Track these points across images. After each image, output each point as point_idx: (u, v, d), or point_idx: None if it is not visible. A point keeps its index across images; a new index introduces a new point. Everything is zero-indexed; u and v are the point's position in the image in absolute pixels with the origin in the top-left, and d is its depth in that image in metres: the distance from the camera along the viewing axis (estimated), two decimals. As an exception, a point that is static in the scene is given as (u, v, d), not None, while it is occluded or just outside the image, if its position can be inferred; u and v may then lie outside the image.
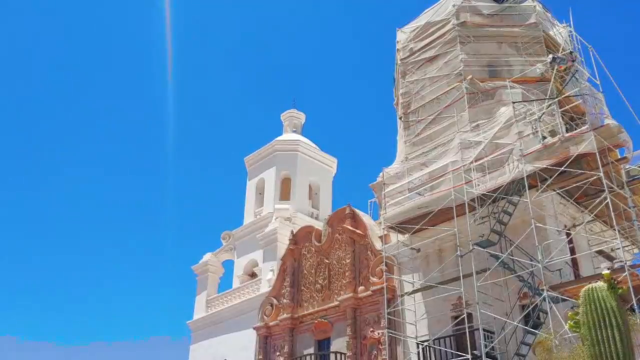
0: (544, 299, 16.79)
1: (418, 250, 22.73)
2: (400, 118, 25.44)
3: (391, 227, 22.87)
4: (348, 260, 25.63)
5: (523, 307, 18.79)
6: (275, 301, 28.45)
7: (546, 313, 17.01)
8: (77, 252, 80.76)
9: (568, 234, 19.90)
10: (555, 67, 20.82)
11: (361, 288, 24.54)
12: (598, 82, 20.05)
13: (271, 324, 27.87)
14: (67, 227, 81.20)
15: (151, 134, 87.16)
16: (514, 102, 20.43)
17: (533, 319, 17.55)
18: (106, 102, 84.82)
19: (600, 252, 20.33)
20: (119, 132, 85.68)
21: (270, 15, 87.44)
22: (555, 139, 18.55)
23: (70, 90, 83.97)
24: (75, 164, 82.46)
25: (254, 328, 28.73)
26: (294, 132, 39.65)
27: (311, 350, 25.79)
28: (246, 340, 29.24)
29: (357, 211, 26.77)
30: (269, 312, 28.47)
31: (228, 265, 35.89)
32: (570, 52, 21.55)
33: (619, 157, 18.27)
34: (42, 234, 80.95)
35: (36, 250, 79.65)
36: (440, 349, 20.07)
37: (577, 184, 18.21)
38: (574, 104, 19.79)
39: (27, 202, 79.98)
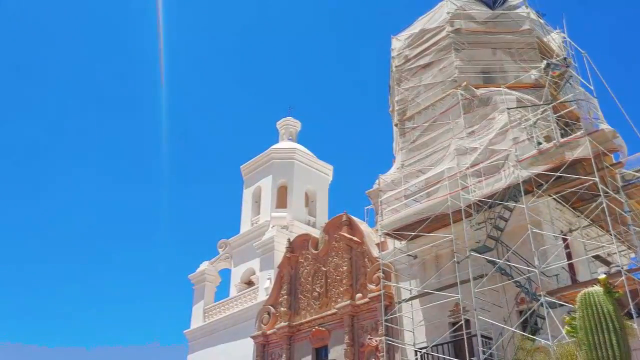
0: (542, 305, 16.78)
1: (415, 257, 22.72)
2: (396, 125, 25.50)
3: (388, 234, 22.87)
4: (345, 268, 25.59)
5: (520, 312, 18.78)
6: (272, 309, 28.37)
7: (544, 318, 17.00)
8: (73, 260, 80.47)
9: (564, 239, 19.92)
10: (550, 73, 20.93)
11: (359, 295, 24.49)
12: (592, 88, 20.17)
13: (268, 332, 27.79)
14: (64, 235, 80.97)
15: (145, 142, 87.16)
16: (509, 108, 20.50)
17: (531, 325, 17.52)
18: (99, 110, 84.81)
19: (597, 257, 20.36)
20: (112, 141, 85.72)
21: (266, 22, 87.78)
22: (551, 144, 18.60)
23: (61, 99, 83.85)
24: (70, 171, 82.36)
25: (252, 337, 28.64)
26: (290, 139, 39.70)
27: (309, 358, 25.69)
28: (244, 349, 29.12)
29: (354, 218, 26.76)
30: (267, 321, 28.39)
31: (225, 274, 35.85)
32: (564, 58, 21.67)
33: (614, 161, 18.32)
34: (38, 240, 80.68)
35: (32, 256, 79.40)
36: (438, 356, 20.02)
37: (573, 189, 18.25)
38: (568, 110, 19.88)
39: (23, 208, 79.78)
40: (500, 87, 21.52)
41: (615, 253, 18.00)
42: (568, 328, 9.50)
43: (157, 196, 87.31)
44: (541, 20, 24.73)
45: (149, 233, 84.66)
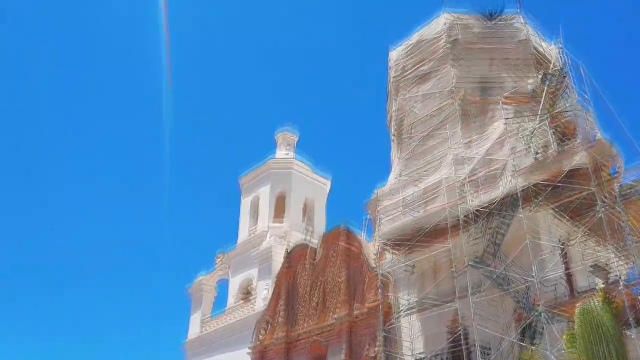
0: (540, 315, 16.74)
1: (413, 267, 22.62)
2: (394, 135, 25.52)
3: (386, 244, 22.80)
4: (343, 279, 25.51)
5: (520, 323, 18.70)
6: (270, 320, 28.24)
7: (542, 329, 16.95)
8: (69, 274, 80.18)
9: (562, 249, 19.90)
10: (547, 84, 20.99)
11: (356, 306, 24.39)
12: (588, 98, 20.24)
13: (266, 343, 27.63)
14: (57, 248, 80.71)
15: (146, 153, 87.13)
16: (506, 119, 20.56)
17: (529, 336, 17.46)
18: (99, 119, 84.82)
19: (595, 266, 20.31)
20: (113, 149, 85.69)
21: (264, 33, 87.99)
22: (548, 154, 18.65)
23: (63, 107, 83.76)
24: (72, 178, 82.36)
25: (249, 348, 28.48)
26: (288, 150, 39.78)
27: (307, 371, 25.57)
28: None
29: (352, 229, 26.72)
30: (264, 332, 28.23)
31: (222, 286, 35.79)
32: (561, 69, 21.74)
33: (610, 172, 18.37)
34: (32, 253, 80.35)
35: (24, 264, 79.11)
36: (437, 367, 19.94)
37: (570, 199, 18.25)
38: (565, 120, 19.94)
39: (16, 218, 79.60)
40: (497, 98, 21.60)
41: (613, 263, 18.00)
42: (567, 336, 9.49)
43: (155, 203, 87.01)
44: (537, 32, 24.84)
45: (146, 244, 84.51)
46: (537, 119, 20.08)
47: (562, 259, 19.33)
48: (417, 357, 20.85)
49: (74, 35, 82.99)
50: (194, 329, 34.10)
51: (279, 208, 36.08)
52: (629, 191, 18.36)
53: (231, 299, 33.88)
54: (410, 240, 21.55)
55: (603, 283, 15.52)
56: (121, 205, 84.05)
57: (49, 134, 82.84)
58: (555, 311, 16.66)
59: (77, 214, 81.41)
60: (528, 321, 17.62)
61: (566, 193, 18.16)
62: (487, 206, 19.31)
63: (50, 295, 77.69)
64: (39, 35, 79.75)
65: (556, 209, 19.26)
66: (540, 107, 20.49)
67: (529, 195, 18.57)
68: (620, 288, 14.99)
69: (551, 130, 19.44)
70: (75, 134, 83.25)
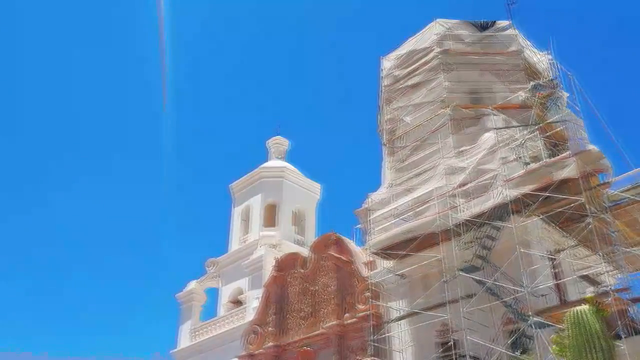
0: (530, 325, 16.71)
1: (404, 277, 22.58)
2: (385, 144, 25.53)
3: (376, 253, 22.77)
4: (333, 287, 25.44)
5: (510, 332, 18.69)
6: (259, 329, 28.06)
7: (530, 338, 16.92)
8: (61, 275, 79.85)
9: (553, 259, 19.92)
10: (537, 94, 21.10)
11: (347, 315, 24.30)
12: (578, 109, 20.38)
13: (255, 352, 27.44)
14: (51, 247, 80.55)
15: (142, 162, 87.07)
16: (497, 129, 20.63)
17: (520, 345, 17.42)
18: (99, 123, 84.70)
19: (585, 277, 20.34)
20: (111, 155, 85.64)
21: (255, 42, 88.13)
22: (538, 164, 18.71)
23: (58, 114, 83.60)
24: (69, 180, 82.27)
25: (238, 357, 28.25)
26: (279, 158, 39.74)
27: (296, 379, 25.39)
28: (231, 370, 28.75)
29: (342, 237, 26.67)
30: (253, 340, 28.04)
31: (211, 293, 35.59)
32: (551, 80, 21.87)
33: (599, 182, 18.44)
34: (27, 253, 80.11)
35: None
36: (427, 377, 19.84)
37: (561, 209, 18.30)
38: (555, 130, 20.04)
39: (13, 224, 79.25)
40: (488, 108, 21.69)
41: (604, 273, 18.03)
42: (556, 347, 9.45)
43: (153, 210, 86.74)
44: (528, 42, 25.01)
45: (139, 252, 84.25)
46: (528, 129, 20.17)
47: (551, 269, 19.34)
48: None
49: (75, 38, 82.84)
50: (184, 338, 33.80)
51: (271, 216, 35.97)
52: (619, 201, 18.45)
53: (221, 309, 33.66)
54: (401, 249, 21.52)
55: (594, 292, 15.50)
56: (118, 207, 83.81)
57: (46, 135, 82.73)
58: (544, 319, 16.64)
59: (74, 214, 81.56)
60: (519, 332, 17.59)
61: (556, 203, 18.20)
62: (479, 216, 19.33)
63: (44, 296, 77.52)
64: (37, 34, 79.51)
65: (546, 219, 19.30)
66: (531, 117, 20.59)
67: (520, 205, 18.60)
68: (610, 299, 14.98)
69: (541, 140, 19.52)
70: (72, 135, 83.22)
